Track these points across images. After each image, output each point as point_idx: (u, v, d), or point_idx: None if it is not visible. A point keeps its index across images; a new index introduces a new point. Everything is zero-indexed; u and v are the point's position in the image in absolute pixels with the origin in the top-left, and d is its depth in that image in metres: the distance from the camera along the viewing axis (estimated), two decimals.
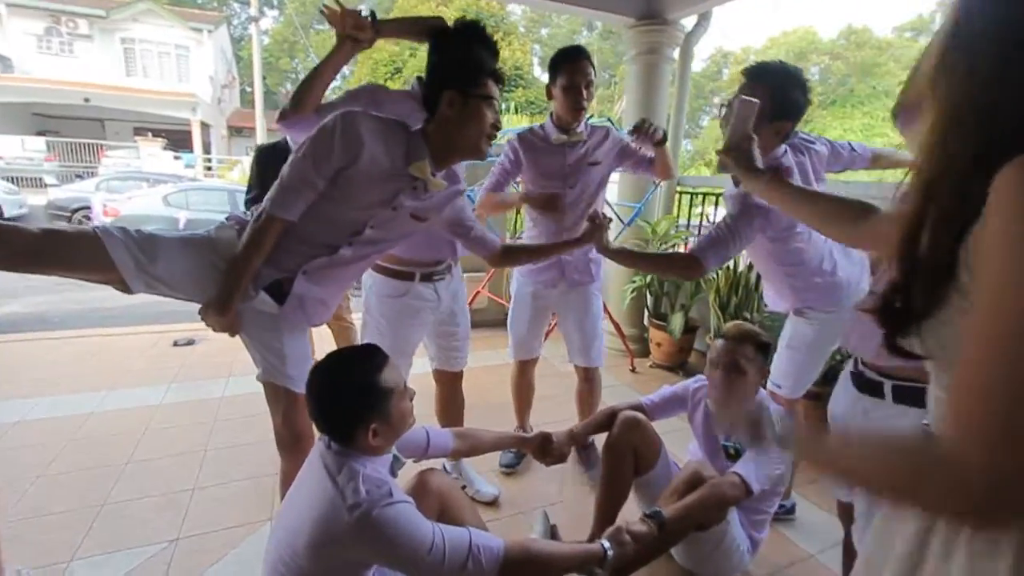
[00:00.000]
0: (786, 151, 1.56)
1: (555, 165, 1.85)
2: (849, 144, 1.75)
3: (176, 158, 14.63)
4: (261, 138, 13.32)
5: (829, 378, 2.38)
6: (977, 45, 0.47)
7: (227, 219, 1.25)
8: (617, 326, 3.43)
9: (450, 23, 1.41)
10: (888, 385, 0.99)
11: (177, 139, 16.77)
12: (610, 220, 1.58)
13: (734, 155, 1.08)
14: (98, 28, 16.82)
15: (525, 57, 21.13)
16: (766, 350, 1.52)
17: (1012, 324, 0.40)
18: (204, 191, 7.83)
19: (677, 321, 3.25)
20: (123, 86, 15.99)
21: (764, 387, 1.64)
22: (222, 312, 1.14)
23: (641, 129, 1.76)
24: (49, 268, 1.04)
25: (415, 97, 1.41)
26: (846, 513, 1.21)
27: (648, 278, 3.40)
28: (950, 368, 0.52)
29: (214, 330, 1.20)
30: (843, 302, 1.67)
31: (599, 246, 1.57)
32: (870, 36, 22.80)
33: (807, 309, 1.74)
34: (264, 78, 27.62)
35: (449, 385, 1.93)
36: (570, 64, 1.74)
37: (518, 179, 2.06)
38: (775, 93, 1.44)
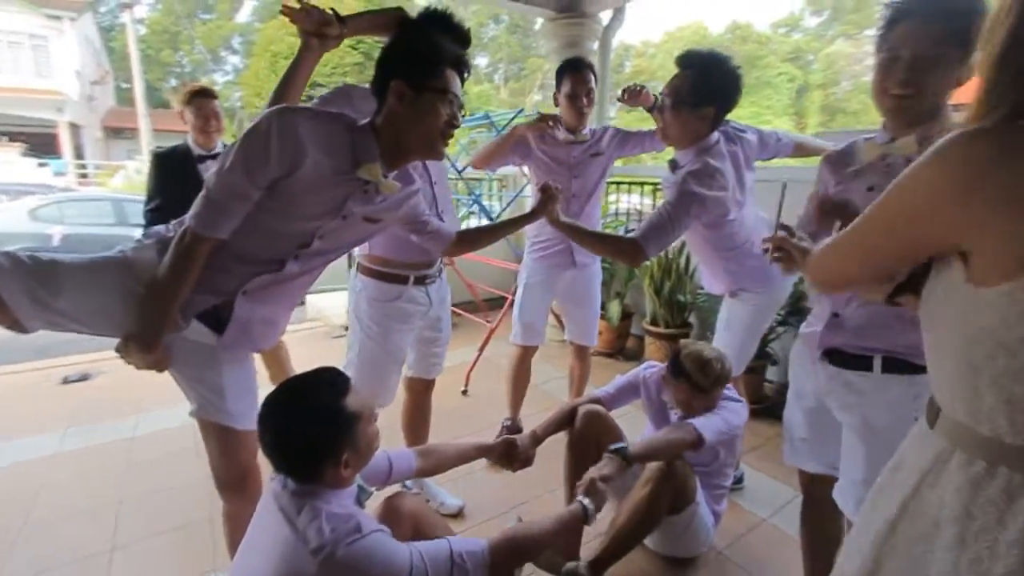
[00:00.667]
0: (719, 139, 1.62)
1: (562, 156, 2.02)
2: (775, 133, 1.87)
3: (41, 165, 12.73)
4: (147, 140, 11.91)
5: (760, 355, 2.58)
6: None
7: (144, 236, 1.07)
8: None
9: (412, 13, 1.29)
10: (878, 358, 1.05)
11: (40, 143, 14.62)
12: (560, 190, 1.56)
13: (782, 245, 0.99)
14: None
15: None
16: (724, 382, 1.56)
17: (858, 228, 0.65)
18: (82, 202, 6.89)
19: (614, 308, 3.34)
20: None
21: None
22: (147, 348, 0.98)
23: (631, 90, 1.94)
24: None
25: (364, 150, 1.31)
26: (812, 483, 1.28)
27: None
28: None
29: (137, 367, 1.03)
30: (772, 282, 1.79)
31: (550, 218, 1.55)
32: (752, 31, 24.94)
33: (741, 291, 1.84)
34: (144, 72, 24.88)
35: (422, 394, 1.85)
36: (573, 75, 1.92)
37: (524, 167, 2.33)
38: (696, 79, 1.51)
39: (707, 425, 1.47)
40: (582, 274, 2.16)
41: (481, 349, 3.02)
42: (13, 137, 13.38)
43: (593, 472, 1.30)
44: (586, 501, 1.21)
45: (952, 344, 0.57)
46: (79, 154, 15.98)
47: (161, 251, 1.02)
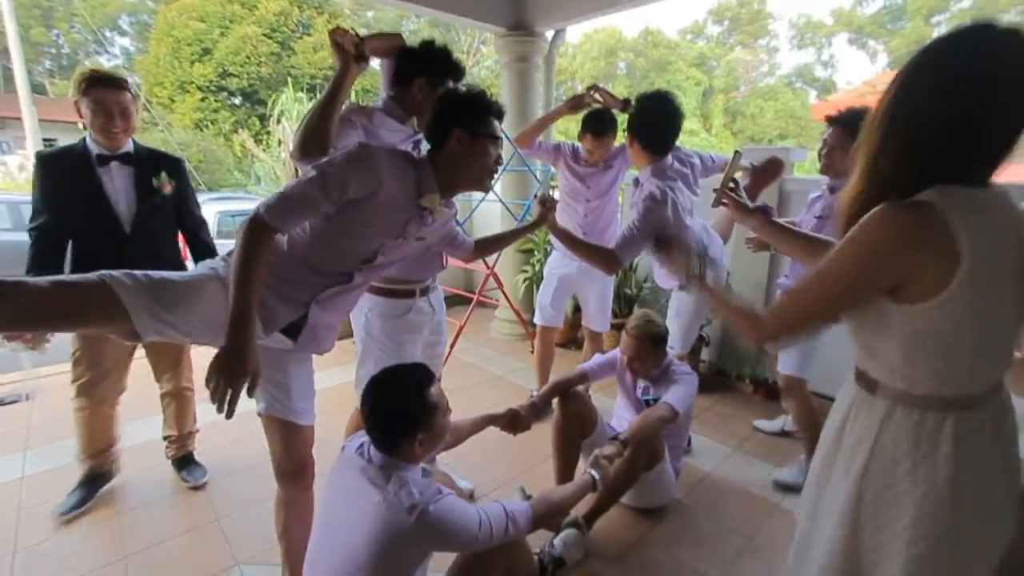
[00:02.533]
0: (672, 162, 1.96)
1: (581, 173, 2.49)
2: (710, 156, 2.25)
3: None
4: (32, 131, 10.46)
5: (697, 338, 3.02)
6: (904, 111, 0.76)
7: (228, 254, 1.17)
8: (517, 313, 3.73)
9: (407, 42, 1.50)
10: None
11: None
12: (556, 202, 1.82)
13: (728, 196, 1.33)
14: None
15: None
16: (662, 340, 1.95)
17: (814, 282, 0.83)
18: None
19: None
20: None
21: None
22: (241, 355, 1.03)
23: (597, 89, 2.24)
24: (55, 326, 0.92)
25: (391, 112, 1.50)
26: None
27: (537, 269, 3.76)
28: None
29: (231, 384, 1.03)
30: (713, 274, 2.17)
31: (550, 224, 1.81)
32: (663, 37, 26.57)
33: (687, 285, 2.21)
34: (7, 52, 21.69)
35: None
36: (595, 138, 2.34)
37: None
38: (646, 110, 1.87)
39: (677, 399, 1.81)
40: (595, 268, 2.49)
41: (452, 345, 3.21)
42: None
43: (599, 452, 1.59)
44: (595, 473, 1.51)
45: (891, 344, 0.80)
46: None
47: None
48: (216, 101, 18.03)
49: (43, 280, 0.94)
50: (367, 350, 1.72)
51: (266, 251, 1.10)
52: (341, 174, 1.11)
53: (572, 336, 3.90)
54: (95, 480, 2.01)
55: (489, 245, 1.82)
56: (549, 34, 3.74)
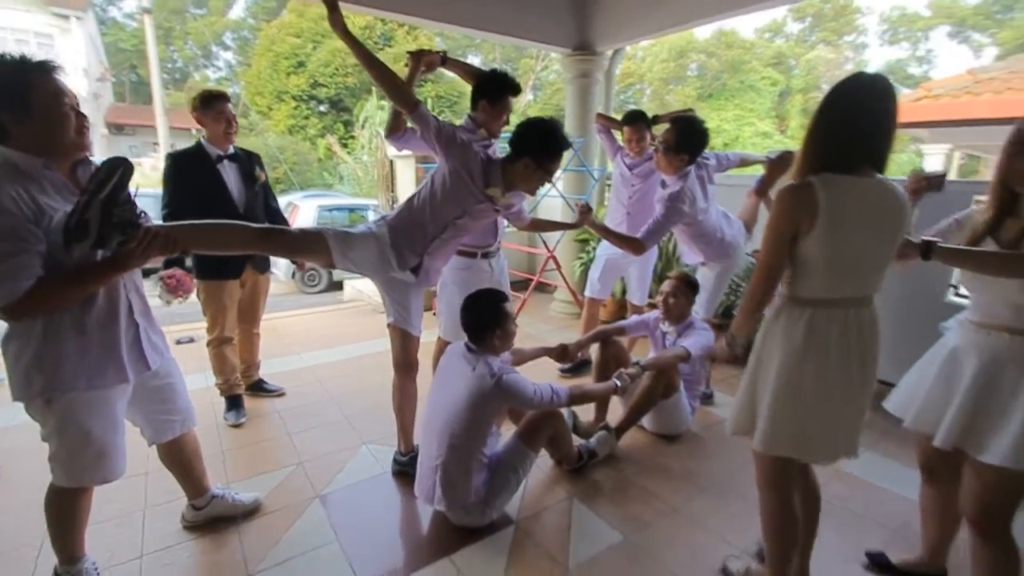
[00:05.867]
0: (691, 169, 2.46)
1: (628, 163, 3.14)
2: (727, 154, 2.73)
3: None
4: (163, 137, 12.36)
5: (724, 314, 3.46)
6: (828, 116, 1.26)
7: (380, 219, 1.89)
8: (574, 293, 4.31)
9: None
10: None
11: None
12: (591, 209, 2.40)
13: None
14: None
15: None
16: (695, 286, 2.47)
17: (765, 237, 1.28)
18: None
19: (617, 286, 4.20)
20: None
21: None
22: None
23: (600, 116, 3.20)
24: (296, 254, 1.68)
25: (469, 125, 2.12)
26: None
27: (591, 256, 4.32)
28: None
29: None
30: (730, 253, 2.66)
31: (588, 223, 2.38)
32: (737, 38, 25.93)
33: (709, 261, 2.71)
34: (135, 68, 25.02)
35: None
36: (629, 125, 3.01)
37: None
38: (679, 131, 2.37)
39: (691, 344, 2.34)
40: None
41: (516, 314, 3.84)
42: None
43: (622, 370, 2.17)
44: (617, 381, 2.08)
45: (791, 268, 1.30)
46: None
47: (391, 230, 1.82)
48: (307, 109, 19.92)
49: (296, 230, 1.68)
50: (442, 294, 2.40)
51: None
52: (452, 130, 1.79)
53: (621, 315, 4.41)
54: (234, 400, 2.68)
55: (543, 224, 2.47)
56: (609, 52, 4.29)
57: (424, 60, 2.10)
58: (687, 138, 2.37)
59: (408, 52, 2.10)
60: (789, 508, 1.41)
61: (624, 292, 4.29)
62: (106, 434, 1.39)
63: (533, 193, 1.96)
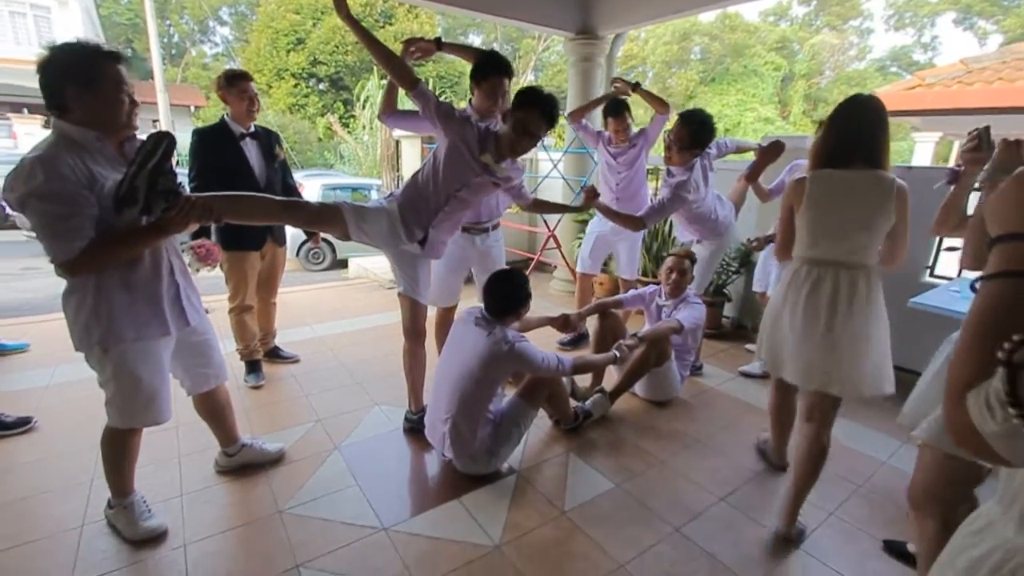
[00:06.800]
0: (696, 161, 2.61)
1: (612, 152, 3.24)
2: (724, 141, 2.87)
3: None
4: (164, 114, 12.37)
5: (715, 292, 3.64)
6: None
7: (390, 195, 2.03)
8: (573, 272, 4.47)
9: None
10: None
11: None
12: (598, 194, 2.54)
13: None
14: None
15: (432, 30, 21.18)
16: (696, 262, 2.70)
17: (781, 214, 1.71)
18: None
19: (614, 264, 4.36)
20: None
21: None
22: None
23: (616, 80, 3.05)
24: (314, 226, 1.85)
25: (472, 106, 2.24)
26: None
27: None
28: None
29: None
30: (722, 232, 2.84)
31: (595, 206, 2.53)
32: (741, 20, 25.65)
33: (703, 240, 2.89)
34: (132, 42, 24.64)
35: (446, 315, 2.72)
36: (613, 118, 3.11)
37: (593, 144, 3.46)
38: (692, 131, 2.52)
39: (684, 317, 2.53)
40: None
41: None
42: (33, 109, 13.70)
43: (621, 341, 2.37)
44: (616, 352, 2.28)
45: (798, 231, 1.65)
46: None
47: (399, 205, 1.97)
48: (307, 87, 19.78)
49: (316, 203, 1.84)
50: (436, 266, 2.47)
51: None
52: (450, 105, 1.92)
53: (617, 292, 4.59)
54: (253, 364, 2.87)
55: (544, 205, 2.55)
56: (611, 37, 4.39)
57: (419, 47, 2.18)
58: (699, 136, 2.54)
59: (402, 41, 2.18)
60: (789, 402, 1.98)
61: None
62: (154, 381, 1.57)
63: (518, 155, 2.01)
